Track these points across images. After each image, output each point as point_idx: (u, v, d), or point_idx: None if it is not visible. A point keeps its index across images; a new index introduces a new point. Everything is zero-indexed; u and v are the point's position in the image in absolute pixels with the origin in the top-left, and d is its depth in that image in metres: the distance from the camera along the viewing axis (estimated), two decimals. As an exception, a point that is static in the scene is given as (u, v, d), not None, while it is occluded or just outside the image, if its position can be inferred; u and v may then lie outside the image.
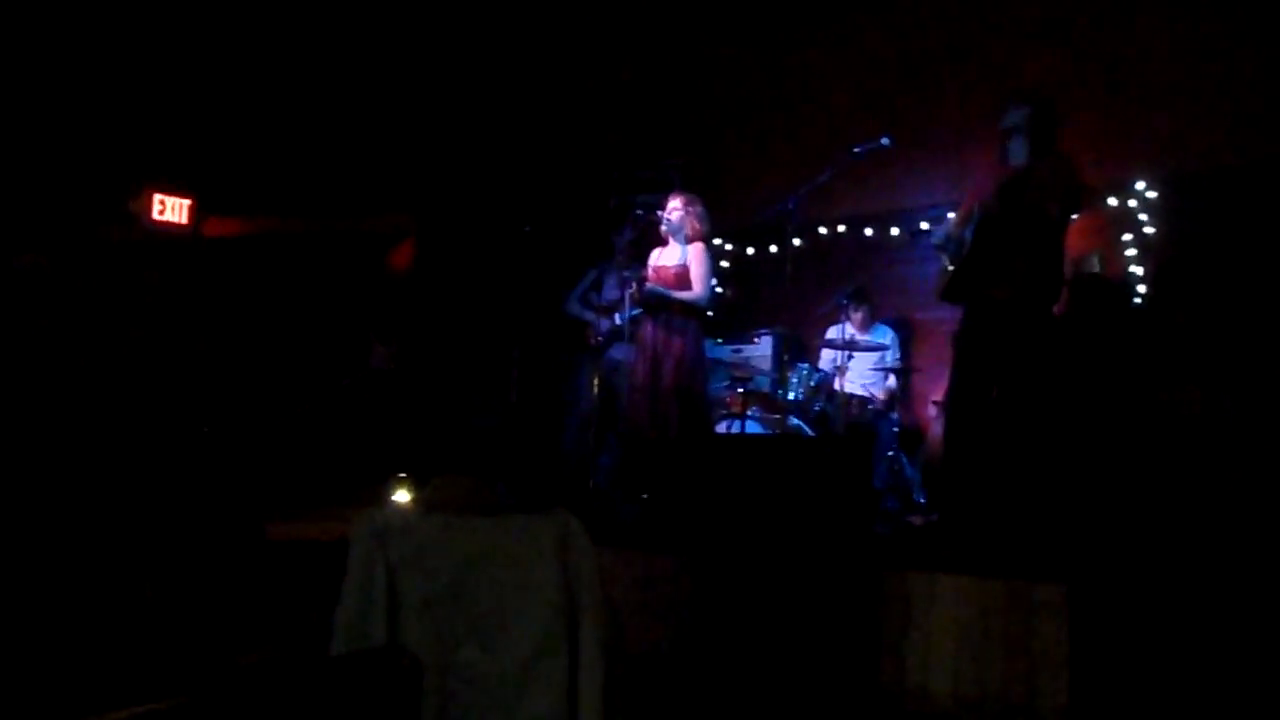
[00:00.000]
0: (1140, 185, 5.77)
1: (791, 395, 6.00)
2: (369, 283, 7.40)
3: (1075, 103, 5.64)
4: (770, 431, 5.77)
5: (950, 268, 4.54)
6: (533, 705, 2.08)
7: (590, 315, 6.16)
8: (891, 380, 6.35)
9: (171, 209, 7.36)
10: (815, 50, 7.27)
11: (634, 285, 5.50)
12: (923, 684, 3.50)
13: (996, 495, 4.17)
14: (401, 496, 2.81)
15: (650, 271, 5.59)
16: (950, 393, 4.53)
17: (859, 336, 6.29)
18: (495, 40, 7.50)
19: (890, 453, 5.98)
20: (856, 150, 5.08)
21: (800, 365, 6.15)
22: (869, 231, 6.87)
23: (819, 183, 5.35)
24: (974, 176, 4.78)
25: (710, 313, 5.81)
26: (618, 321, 5.87)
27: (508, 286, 6.50)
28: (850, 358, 6.10)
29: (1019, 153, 4.37)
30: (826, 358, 6.44)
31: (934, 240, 4.65)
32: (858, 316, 6.32)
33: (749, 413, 5.70)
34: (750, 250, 7.40)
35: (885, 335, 6.41)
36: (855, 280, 6.33)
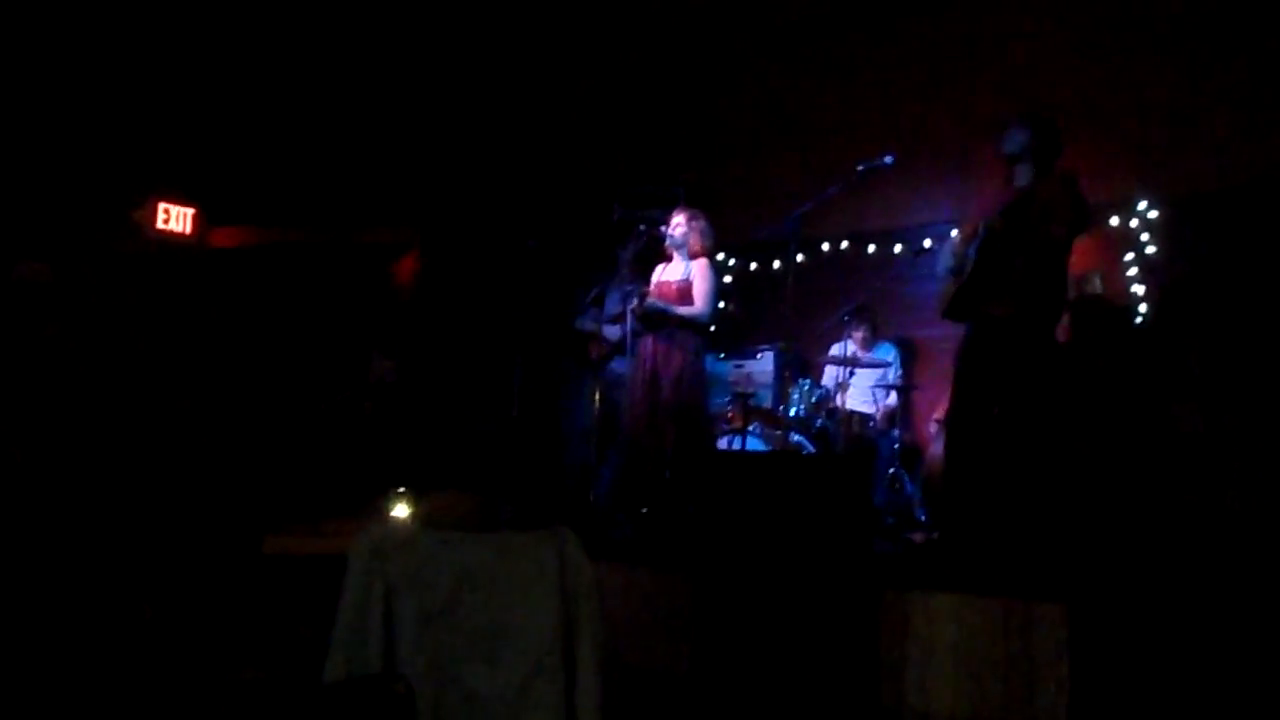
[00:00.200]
0: (1142, 205, 5.78)
1: (793, 411, 6.01)
2: (372, 295, 7.40)
3: (1077, 122, 5.64)
4: (771, 447, 5.76)
5: (954, 285, 4.54)
6: (531, 723, 2.08)
7: (593, 329, 6.17)
8: (893, 398, 6.35)
9: (176, 219, 7.37)
10: (819, 68, 7.29)
11: (635, 299, 5.50)
12: (923, 703, 3.49)
13: (997, 514, 4.16)
14: (401, 511, 2.80)
15: (653, 287, 5.60)
16: (951, 411, 4.53)
17: (861, 353, 6.29)
18: (500, 54, 7.52)
19: (891, 470, 5.98)
20: (860, 168, 5.09)
21: (802, 381, 6.16)
22: (872, 248, 6.88)
23: (822, 200, 5.36)
24: (978, 198, 4.79)
25: (713, 328, 5.82)
26: (619, 335, 5.87)
27: (511, 300, 6.50)
28: (852, 374, 6.11)
29: (1023, 174, 4.38)
30: (828, 374, 6.45)
31: (941, 267, 4.64)
32: (860, 334, 6.34)
33: (750, 428, 5.70)
34: (753, 266, 7.42)
35: (888, 353, 6.41)
36: (857, 297, 6.34)
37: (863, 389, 6.33)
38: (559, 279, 6.60)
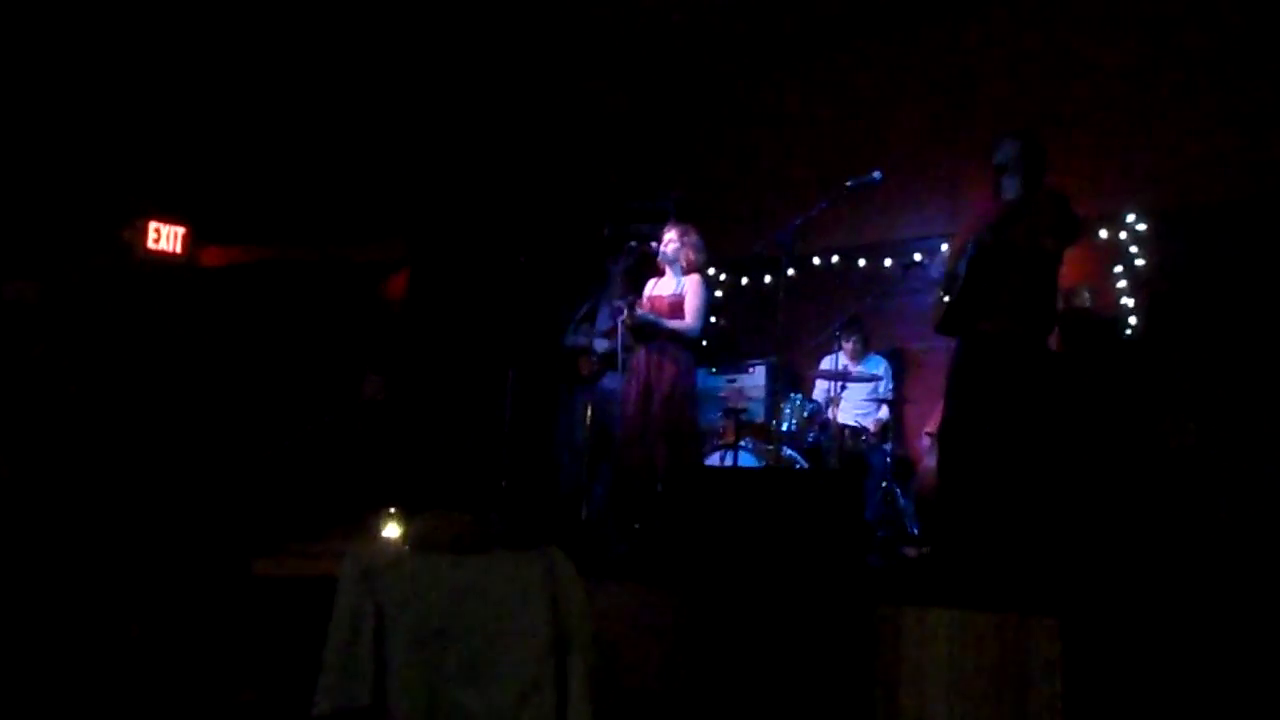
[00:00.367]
0: (1131, 218, 5.81)
1: (785, 426, 6.01)
2: (363, 312, 7.39)
3: (1066, 136, 5.69)
4: (763, 462, 5.76)
5: (945, 299, 4.55)
6: (522, 744, 2.07)
7: (584, 344, 6.16)
8: (884, 411, 6.36)
9: (166, 238, 7.35)
10: (810, 84, 7.34)
11: (625, 311, 5.50)
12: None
13: (990, 528, 4.16)
14: (391, 531, 2.79)
15: (645, 301, 5.59)
16: (944, 425, 4.53)
17: (852, 367, 6.30)
18: (492, 70, 7.54)
19: (884, 484, 5.98)
20: (849, 184, 5.11)
21: (793, 396, 6.16)
22: (862, 262, 6.89)
23: (813, 214, 5.37)
24: (968, 211, 4.81)
25: (704, 342, 5.82)
26: (609, 350, 5.87)
27: (502, 316, 6.49)
28: (843, 388, 6.11)
29: (1011, 188, 4.40)
30: (820, 388, 6.45)
31: (932, 275, 4.66)
32: (850, 347, 6.35)
33: (742, 443, 5.69)
34: (744, 280, 7.43)
35: (878, 366, 6.42)
36: (848, 311, 6.35)
37: (854, 403, 6.33)
38: (550, 295, 6.59)
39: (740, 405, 6.01)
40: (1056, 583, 3.74)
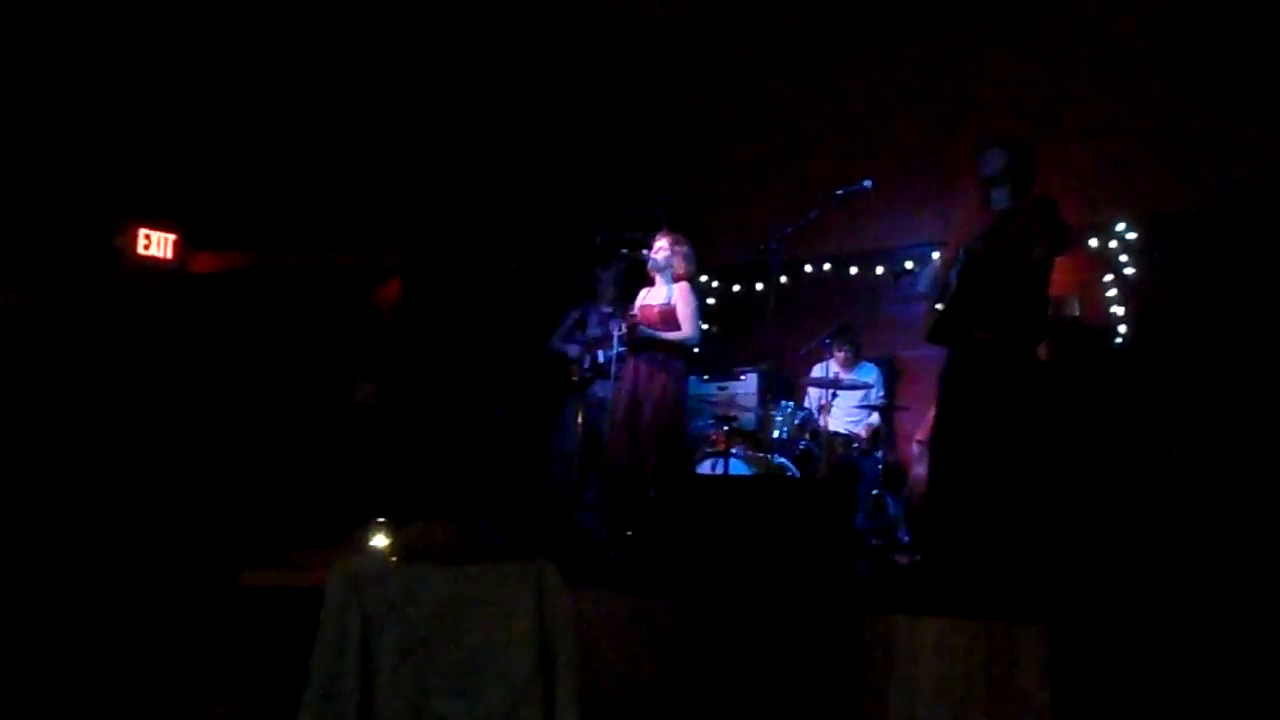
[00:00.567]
0: (1120, 226, 5.82)
1: (776, 434, 6.01)
2: (355, 319, 7.38)
3: (1056, 145, 5.71)
4: (754, 470, 5.76)
5: (939, 307, 4.56)
6: (508, 756, 2.06)
7: (573, 351, 6.17)
8: (876, 418, 6.36)
9: (157, 244, 7.34)
10: (801, 92, 7.35)
11: (623, 327, 5.51)
12: (906, 728, 3.48)
13: (980, 536, 4.17)
14: (380, 541, 2.78)
15: (637, 311, 5.60)
16: (935, 435, 4.54)
17: (843, 375, 6.31)
18: (483, 77, 7.55)
19: (875, 491, 5.98)
20: (839, 193, 5.12)
21: (785, 404, 6.16)
22: (853, 270, 6.91)
23: (804, 223, 5.39)
24: (959, 220, 4.82)
25: (697, 349, 5.83)
26: (601, 359, 5.88)
27: (494, 324, 6.50)
28: (834, 396, 6.11)
29: (1001, 197, 4.41)
30: (811, 396, 6.46)
31: (921, 288, 4.67)
32: (842, 355, 6.35)
33: (733, 451, 5.69)
34: (736, 288, 7.44)
35: (869, 374, 6.43)
36: (840, 318, 6.36)
37: (845, 410, 6.34)
38: (542, 302, 6.60)
39: (731, 413, 6.00)
40: (1045, 591, 3.75)
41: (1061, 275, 4.93)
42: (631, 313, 5.59)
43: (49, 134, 6.67)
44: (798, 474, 5.83)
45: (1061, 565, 4.12)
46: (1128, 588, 3.93)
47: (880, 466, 6.12)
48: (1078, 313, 5.56)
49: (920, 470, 5.55)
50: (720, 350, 7.17)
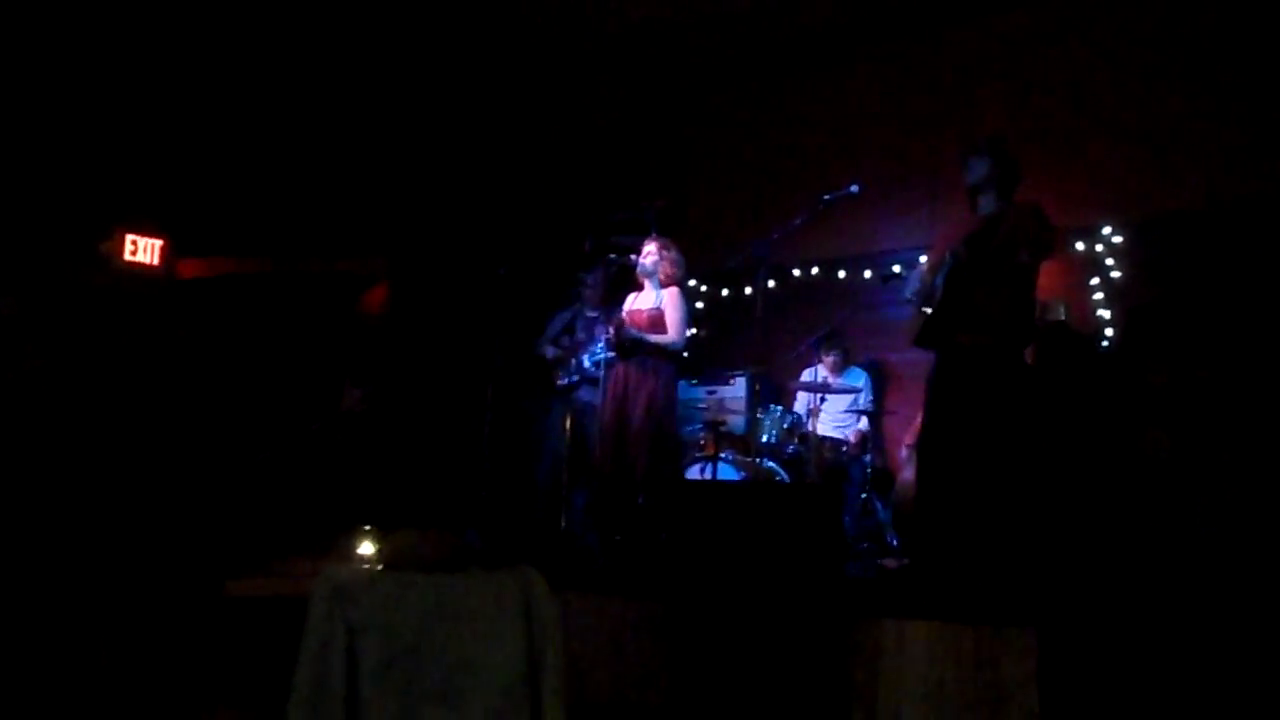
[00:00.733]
0: (1106, 230, 5.84)
1: (764, 438, 6.01)
2: (342, 325, 7.37)
3: (1041, 148, 5.73)
4: (743, 474, 5.76)
5: (926, 311, 4.57)
6: (495, 766, 2.06)
7: (550, 353, 6.18)
8: (864, 423, 6.37)
9: (144, 250, 7.32)
10: (790, 97, 7.37)
11: (611, 330, 5.51)
12: (894, 732, 3.48)
13: (968, 539, 4.17)
14: (366, 549, 2.77)
15: (625, 316, 5.60)
16: (923, 439, 4.55)
17: (832, 379, 6.32)
18: (471, 82, 7.55)
19: (863, 495, 5.99)
20: (826, 198, 5.13)
21: (773, 408, 6.17)
22: (842, 274, 6.92)
23: (792, 227, 5.40)
24: (944, 225, 4.83)
25: (685, 354, 5.83)
26: (587, 363, 5.87)
27: (482, 329, 6.49)
28: (823, 400, 6.12)
29: (987, 203, 4.42)
30: (800, 400, 6.47)
31: (907, 293, 4.67)
32: (830, 359, 6.37)
33: (722, 455, 5.70)
34: (724, 292, 7.44)
35: (858, 378, 6.44)
36: (828, 323, 6.37)
37: (834, 414, 6.35)
38: (530, 307, 6.60)
39: (720, 417, 6.01)
40: (1033, 594, 3.75)
41: (1047, 279, 4.94)
42: (619, 316, 5.60)
43: (36, 140, 6.64)
44: (787, 478, 5.84)
45: (1050, 569, 4.13)
46: (1116, 591, 3.94)
47: (869, 470, 6.13)
48: (1064, 316, 5.57)
49: (908, 474, 5.56)
50: (709, 354, 7.17)
